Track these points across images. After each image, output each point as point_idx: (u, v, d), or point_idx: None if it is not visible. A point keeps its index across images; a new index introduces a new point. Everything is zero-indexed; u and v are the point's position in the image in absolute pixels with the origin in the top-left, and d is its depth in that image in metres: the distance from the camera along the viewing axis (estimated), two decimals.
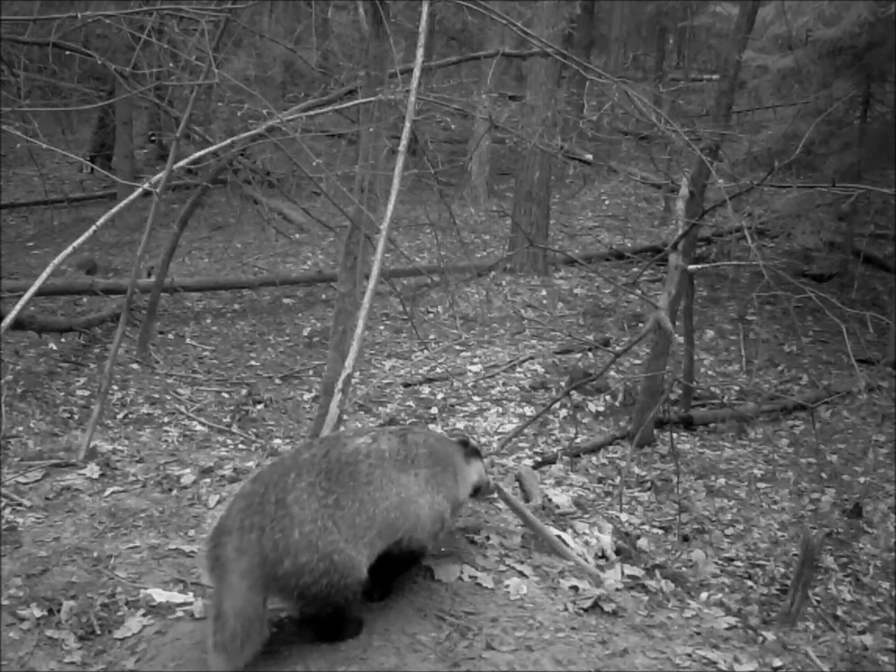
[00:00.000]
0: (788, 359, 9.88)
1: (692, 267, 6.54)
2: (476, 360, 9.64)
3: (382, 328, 10.65)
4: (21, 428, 7.32)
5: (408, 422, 8.08)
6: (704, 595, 5.02)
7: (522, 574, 3.39)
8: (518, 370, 9.35)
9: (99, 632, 2.88)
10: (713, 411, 8.65)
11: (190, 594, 3.08)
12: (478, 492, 3.41)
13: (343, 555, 2.77)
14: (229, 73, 7.06)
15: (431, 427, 7.77)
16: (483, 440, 7.53)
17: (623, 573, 3.67)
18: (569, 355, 9.65)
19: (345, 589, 2.78)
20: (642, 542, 5.23)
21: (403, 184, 4.15)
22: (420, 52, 4.47)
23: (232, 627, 2.65)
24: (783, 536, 6.49)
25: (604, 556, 3.90)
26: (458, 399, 8.69)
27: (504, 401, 8.64)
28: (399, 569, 3.11)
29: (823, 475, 7.43)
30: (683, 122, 7.21)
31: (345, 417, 7.31)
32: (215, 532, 2.81)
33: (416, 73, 4.39)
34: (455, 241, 8.55)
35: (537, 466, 6.98)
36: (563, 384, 8.73)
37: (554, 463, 7.32)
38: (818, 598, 5.64)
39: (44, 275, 3.94)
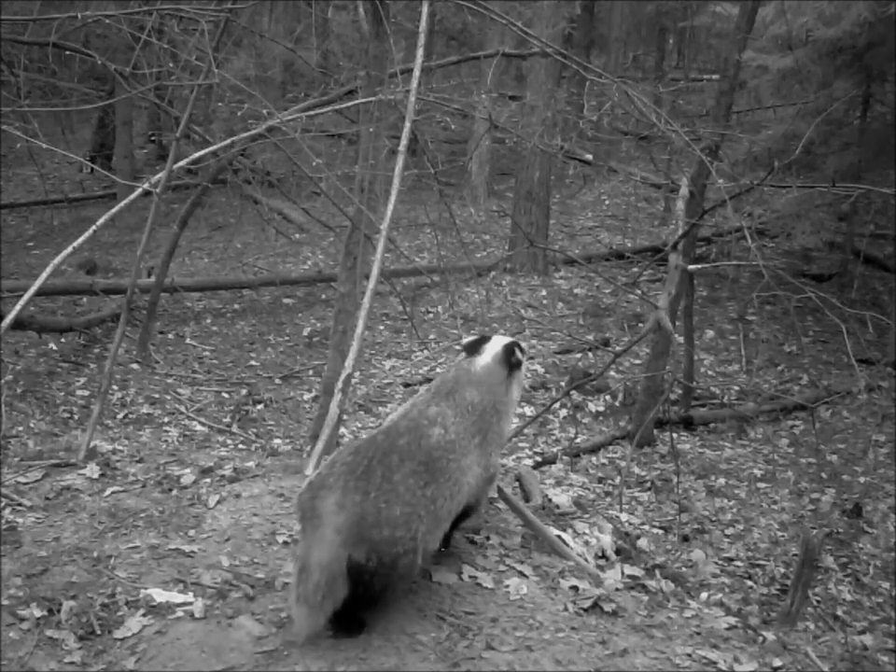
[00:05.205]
0: (788, 359, 9.88)
1: (692, 267, 6.53)
2: None
3: (382, 328, 10.65)
4: (21, 428, 7.32)
5: None
6: (704, 595, 5.01)
7: (522, 574, 3.39)
8: None
9: (99, 632, 2.88)
10: (713, 411, 8.65)
11: (190, 594, 3.07)
12: None
13: (424, 543, 2.90)
14: (229, 73, 7.05)
15: None
16: None
17: (623, 573, 3.67)
18: (569, 355, 9.65)
19: (416, 565, 2.90)
20: (642, 542, 5.22)
21: (403, 184, 4.15)
22: (420, 52, 4.47)
23: (316, 580, 2.71)
24: (783, 536, 6.49)
25: (604, 556, 3.90)
26: None
27: None
28: (456, 526, 3.30)
29: (823, 475, 7.44)
30: (683, 122, 7.22)
31: (345, 417, 7.32)
32: (311, 485, 2.90)
33: (416, 73, 4.39)
34: (455, 241, 8.55)
35: (537, 466, 6.98)
36: (563, 384, 8.73)
37: (554, 463, 7.33)
38: (818, 598, 5.65)
39: (44, 275, 3.94)
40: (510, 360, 3.36)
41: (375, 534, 2.77)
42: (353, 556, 2.75)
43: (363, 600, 2.84)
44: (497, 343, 3.41)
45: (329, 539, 2.75)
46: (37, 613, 2.93)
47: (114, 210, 4.27)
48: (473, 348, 3.40)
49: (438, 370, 9.44)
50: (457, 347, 3.61)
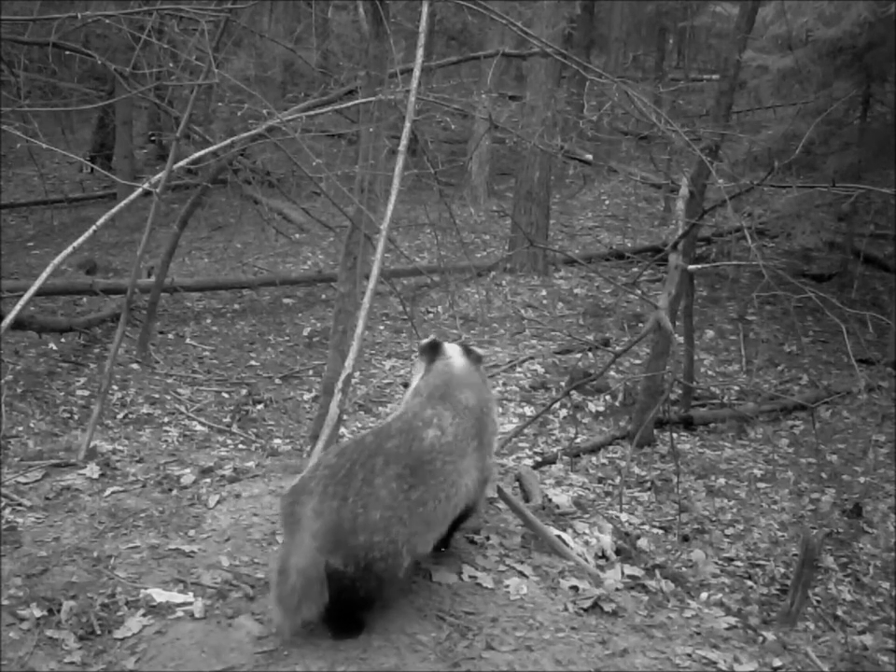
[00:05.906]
0: (788, 359, 9.88)
1: (692, 267, 6.54)
2: None
3: (382, 328, 10.65)
4: (21, 428, 7.32)
5: None
6: (704, 595, 5.01)
7: (522, 574, 3.39)
8: (518, 370, 9.34)
9: (99, 632, 2.88)
10: (713, 411, 8.65)
11: (190, 594, 3.07)
12: None
13: (408, 546, 2.87)
14: (229, 73, 7.05)
15: None
16: None
17: (623, 573, 3.67)
18: (569, 355, 9.65)
19: (399, 568, 2.87)
20: (642, 542, 5.22)
21: (403, 184, 4.14)
22: (420, 52, 4.46)
23: (292, 582, 2.73)
24: (783, 536, 6.49)
25: (604, 556, 3.90)
26: None
27: (504, 401, 8.63)
28: (456, 528, 3.31)
29: (823, 475, 7.43)
30: (683, 122, 7.22)
31: (345, 417, 7.31)
32: (293, 490, 2.90)
33: (416, 73, 4.38)
34: (455, 241, 8.55)
35: (537, 466, 6.98)
36: (563, 384, 8.73)
37: (554, 463, 7.33)
38: (818, 598, 5.64)
39: (44, 275, 3.94)
40: (472, 357, 3.43)
41: (352, 540, 2.76)
42: (330, 562, 2.75)
43: (350, 605, 2.84)
44: (453, 346, 3.47)
45: (307, 545, 2.76)
46: (37, 613, 2.93)
47: (114, 210, 4.26)
48: (433, 351, 3.43)
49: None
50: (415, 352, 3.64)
